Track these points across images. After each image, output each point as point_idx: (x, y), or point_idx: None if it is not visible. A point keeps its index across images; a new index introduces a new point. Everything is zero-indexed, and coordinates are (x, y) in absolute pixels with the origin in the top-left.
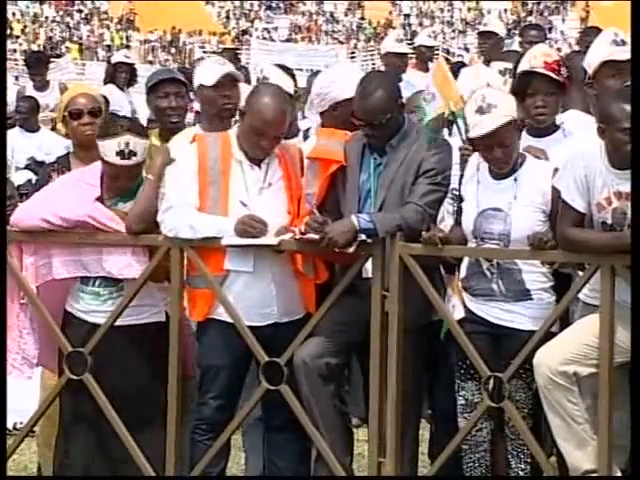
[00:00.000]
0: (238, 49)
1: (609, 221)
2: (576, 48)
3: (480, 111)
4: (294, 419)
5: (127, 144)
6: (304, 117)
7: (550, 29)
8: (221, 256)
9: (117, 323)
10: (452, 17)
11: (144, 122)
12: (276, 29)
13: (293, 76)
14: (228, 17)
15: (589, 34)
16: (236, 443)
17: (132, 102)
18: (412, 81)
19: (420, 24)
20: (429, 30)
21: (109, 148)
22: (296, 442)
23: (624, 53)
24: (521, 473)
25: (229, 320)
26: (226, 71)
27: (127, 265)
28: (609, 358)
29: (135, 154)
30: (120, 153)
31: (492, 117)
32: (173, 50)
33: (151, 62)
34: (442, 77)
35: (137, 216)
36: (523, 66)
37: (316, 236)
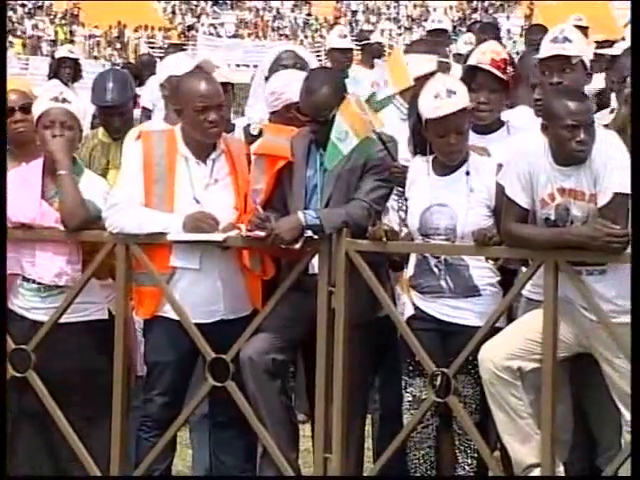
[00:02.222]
0: (184, 45)
1: (552, 217)
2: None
3: (439, 96)
4: (240, 416)
5: (61, 92)
6: (242, 114)
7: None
8: (167, 253)
9: (59, 320)
10: (398, 14)
11: (89, 118)
12: (222, 25)
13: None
14: (174, 12)
15: (533, 32)
16: (182, 440)
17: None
18: (358, 77)
19: (367, 21)
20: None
21: (43, 99)
22: (242, 438)
23: (550, 50)
24: (467, 468)
25: (175, 317)
26: (198, 62)
27: (60, 273)
28: (552, 353)
29: (69, 102)
30: (54, 99)
31: (452, 101)
32: (118, 45)
33: (96, 57)
34: (395, 63)
35: (69, 214)
36: (471, 61)
37: (262, 233)
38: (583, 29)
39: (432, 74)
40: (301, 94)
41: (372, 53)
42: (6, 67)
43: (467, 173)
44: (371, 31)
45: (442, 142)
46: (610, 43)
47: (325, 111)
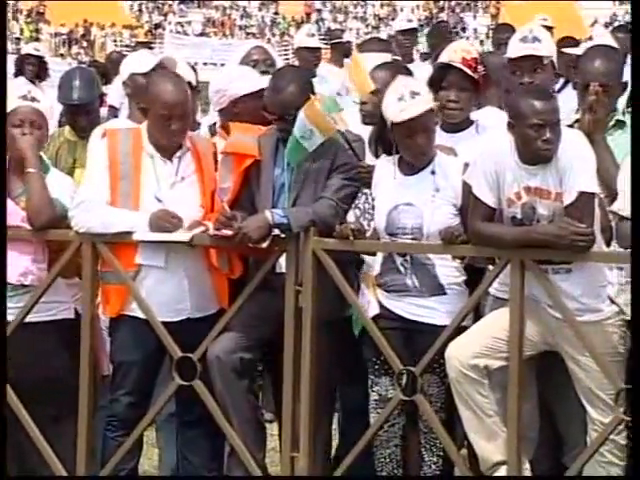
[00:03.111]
0: (151, 43)
1: (519, 216)
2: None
3: (403, 98)
4: (207, 415)
5: (29, 91)
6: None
7: (463, 28)
8: (133, 251)
9: (25, 320)
10: (365, 13)
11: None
12: (190, 23)
13: (194, 70)
14: (141, 11)
15: (501, 31)
16: (149, 439)
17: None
18: (326, 76)
19: (334, 20)
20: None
21: (12, 97)
22: (209, 438)
23: (522, 50)
24: (434, 467)
25: (142, 316)
26: (160, 59)
27: (25, 272)
28: (519, 351)
29: (38, 100)
30: (23, 97)
31: (417, 103)
32: (85, 44)
33: (62, 55)
34: (356, 68)
35: (36, 213)
36: (442, 59)
37: (230, 232)
38: (549, 29)
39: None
40: (268, 92)
41: (342, 52)
42: (6, 67)
43: (433, 172)
44: (342, 30)
45: (410, 144)
46: (575, 42)
47: (292, 109)
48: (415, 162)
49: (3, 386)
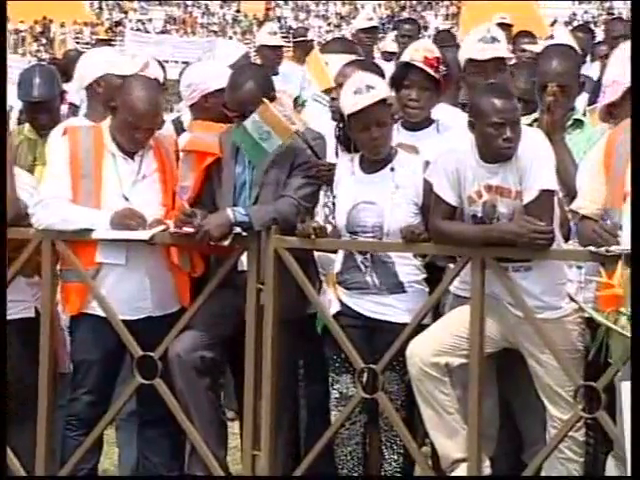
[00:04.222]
0: (112, 40)
1: (479, 214)
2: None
3: (359, 92)
4: (168, 414)
5: None
6: (171, 110)
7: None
8: (93, 249)
9: None
10: (327, 11)
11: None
12: (150, 21)
13: (163, 68)
14: (101, 8)
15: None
16: (109, 439)
17: None
18: (288, 74)
19: (296, 18)
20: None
21: None
22: (170, 436)
23: (486, 52)
24: (394, 464)
25: (102, 314)
26: (142, 65)
27: None
28: (479, 349)
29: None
30: None
31: (371, 95)
32: (44, 41)
33: (22, 53)
34: (316, 64)
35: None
36: (404, 57)
37: (191, 229)
38: (507, 27)
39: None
40: (227, 89)
41: (306, 50)
42: (6, 66)
43: (393, 170)
44: (306, 29)
45: (365, 136)
46: (532, 37)
47: (250, 106)
48: (372, 155)
49: (3, 386)
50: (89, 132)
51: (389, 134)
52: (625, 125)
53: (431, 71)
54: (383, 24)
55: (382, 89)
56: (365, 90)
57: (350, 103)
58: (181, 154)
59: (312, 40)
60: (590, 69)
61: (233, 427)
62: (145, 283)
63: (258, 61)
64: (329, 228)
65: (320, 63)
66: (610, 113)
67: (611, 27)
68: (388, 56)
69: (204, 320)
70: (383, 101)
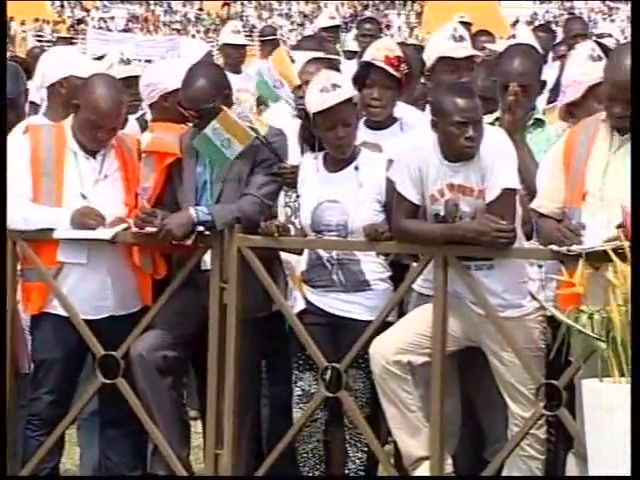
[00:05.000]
0: (74, 38)
1: (442, 213)
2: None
3: (325, 90)
4: (130, 413)
5: None
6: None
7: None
8: (54, 248)
9: None
10: (290, 10)
11: None
12: (113, 19)
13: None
14: (63, 6)
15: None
16: (70, 438)
17: None
18: (251, 73)
19: (259, 16)
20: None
21: None
22: (132, 436)
23: (460, 50)
24: (358, 462)
25: (63, 313)
26: (108, 67)
27: None
28: (441, 347)
29: None
30: None
31: (337, 94)
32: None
33: None
34: (281, 61)
35: None
36: (365, 57)
37: (153, 228)
38: (467, 25)
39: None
40: (181, 88)
41: (273, 49)
42: (6, 65)
43: (356, 169)
44: (275, 28)
45: (330, 135)
46: (490, 36)
47: (203, 104)
48: (337, 155)
49: (3, 385)
50: (51, 131)
51: (354, 133)
52: (585, 124)
53: (392, 70)
54: (346, 23)
55: (348, 88)
56: (331, 89)
57: (316, 101)
58: (142, 155)
59: (279, 39)
60: (551, 68)
61: (196, 426)
62: (106, 282)
63: (221, 60)
64: (292, 228)
65: (286, 62)
66: (570, 112)
67: (569, 26)
68: (350, 55)
69: (167, 319)
70: (349, 100)
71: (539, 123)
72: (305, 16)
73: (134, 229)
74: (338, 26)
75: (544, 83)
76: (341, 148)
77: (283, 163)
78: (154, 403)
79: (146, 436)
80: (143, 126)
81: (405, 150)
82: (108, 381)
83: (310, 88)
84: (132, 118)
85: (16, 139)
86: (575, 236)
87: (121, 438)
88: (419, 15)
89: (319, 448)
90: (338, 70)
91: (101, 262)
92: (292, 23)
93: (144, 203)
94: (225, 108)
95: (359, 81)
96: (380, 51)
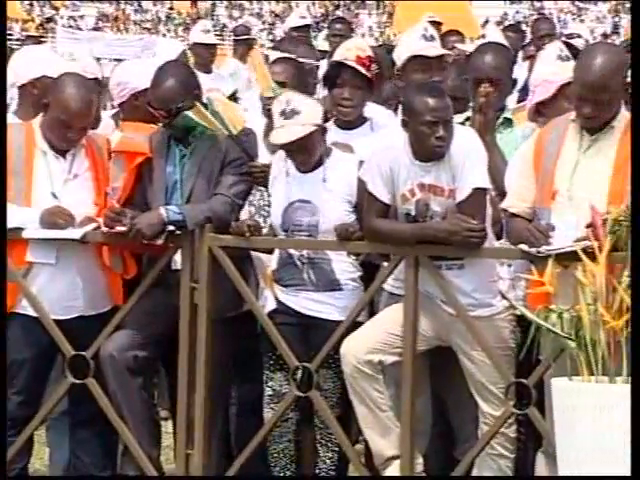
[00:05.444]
0: (43, 37)
1: (412, 212)
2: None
3: (284, 115)
4: (101, 413)
5: None
6: (113, 107)
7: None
8: (24, 248)
9: None
10: (261, 9)
11: None
12: (82, 17)
13: (100, 65)
14: (31, 4)
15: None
16: (39, 439)
17: None
18: (223, 73)
19: (229, 16)
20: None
21: None
22: (102, 436)
23: (432, 49)
24: (328, 462)
25: (33, 313)
26: (80, 66)
27: None
28: (412, 347)
29: None
30: None
31: (293, 126)
32: None
33: None
34: (257, 64)
35: None
36: (336, 56)
37: (124, 228)
38: (437, 25)
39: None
40: (150, 87)
41: (247, 48)
42: (6, 65)
43: (327, 169)
44: (249, 27)
45: (291, 157)
46: (460, 36)
47: (172, 103)
48: (303, 169)
49: (3, 385)
50: (21, 130)
51: (315, 154)
52: (555, 124)
53: (363, 70)
54: (317, 22)
55: (309, 114)
56: (290, 114)
57: (276, 125)
58: (112, 155)
59: (254, 39)
60: (521, 69)
61: (167, 426)
62: (76, 282)
63: (192, 59)
64: (266, 227)
65: (260, 62)
66: (539, 112)
67: (537, 27)
68: (320, 55)
69: (137, 319)
70: (309, 133)
71: (508, 123)
72: (276, 15)
73: (104, 229)
74: (309, 26)
75: (515, 81)
76: (304, 166)
77: (254, 162)
78: (124, 403)
79: (116, 436)
80: (118, 123)
81: (376, 150)
82: (78, 381)
83: (274, 107)
84: (107, 115)
85: None
86: (544, 237)
87: (91, 438)
88: (390, 15)
89: (290, 448)
90: (304, 71)
91: (70, 262)
92: (263, 22)
93: (113, 203)
94: (199, 105)
95: (329, 81)
96: (351, 51)
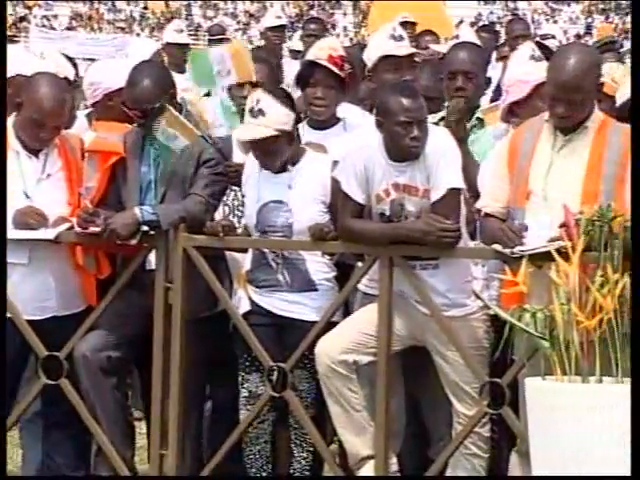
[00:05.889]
0: (16, 36)
1: (387, 212)
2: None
3: (251, 112)
4: (74, 414)
5: None
6: (86, 107)
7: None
8: None
9: None
10: (236, 9)
11: None
12: (56, 17)
13: (75, 65)
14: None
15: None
16: (12, 440)
17: None
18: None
19: (204, 15)
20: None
21: None
22: (76, 437)
23: (402, 48)
24: (303, 462)
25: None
26: (53, 66)
27: None
28: (387, 347)
29: None
30: None
31: (256, 126)
32: None
33: None
34: (239, 55)
35: None
36: (309, 56)
37: (97, 228)
38: (411, 25)
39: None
40: (125, 87)
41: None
42: (6, 64)
43: (301, 170)
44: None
45: (257, 157)
46: (435, 36)
47: (148, 103)
48: (271, 170)
49: (3, 385)
50: None
51: (279, 156)
52: (529, 124)
53: (336, 69)
54: (292, 22)
55: (275, 117)
56: (256, 114)
57: (241, 127)
58: (85, 155)
59: (228, 39)
60: (495, 69)
61: (140, 427)
62: (49, 282)
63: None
64: (240, 227)
65: (245, 55)
66: (512, 112)
67: (511, 27)
68: (295, 54)
69: (111, 320)
70: (272, 135)
71: (480, 123)
72: (251, 15)
73: (77, 229)
74: (284, 26)
75: (489, 80)
76: (269, 167)
77: (228, 161)
78: (98, 404)
79: (90, 437)
80: (91, 122)
81: (351, 150)
82: (51, 382)
83: (247, 104)
84: (81, 114)
85: None
86: (517, 237)
87: (64, 439)
88: (365, 15)
89: (266, 449)
90: (280, 70)
91: (43, 262)
92: (238, 22)
93: (87, 203)
94: (171, 108)
95: (302, 80)
96: (323, 50)
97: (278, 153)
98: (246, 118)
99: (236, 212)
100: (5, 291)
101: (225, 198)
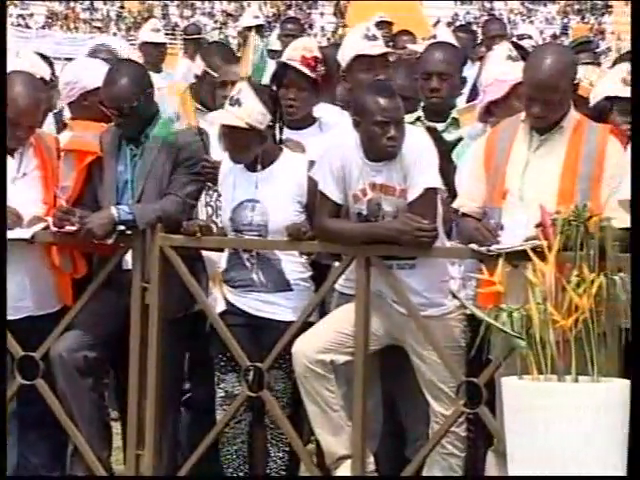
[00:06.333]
0: None
1: (364, 212)
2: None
3: (231, 100)
4: (50, 414)
5: None
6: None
7: (311, 25)
8: None
9: None
10: (213, 8)
11: None
12: (32, 15)
13: (51, 64)
14: None
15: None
16: None
17: None
18: (172, 72)
19: (181, 15)
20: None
21: None
22: (51, 437)
23: (375, 48)
24: (279, 462)
25: None
26: (28, 64)
27: None
28: (364, 346)
29: None
30: None
31: (229, 113)
32: None
33: None
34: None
35: None
36: (283, 56)
37: (73, 227)
38: (388, 25)
39: None
40: (102, 86)
41: (197, 47)
42: (6, 64)
43: (277, 169)
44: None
45: (227, 149)
46: (411, 37)
47: (123, 103)
48: (231, 159)
49: (3, 383)
50: None
51: (248, 152)
52: (505, 124)
53: (307, 71)
54: (269, 22)
55: (249, 109)
56: (235, 102)
57: (220, 110)
58: (61, 154)
59: (204, 38)
60: (471, 69)
61: (116, 427)
62: (24, 282)
63: (141, 58)
64: (214, 227)
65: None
66: (489, 112)
67: (487, 27)
68: (273, 54)
69: (87, 320)
70: (243, 128)
71: (456, 123)
72: (228, 15)
73: (53, 228)
74: (262, 25)
75: (464, 80)
76: (241, 161)
77: (207, 159)
78: (74, 404)
79: (66, 437)
80: (59, 122)
81: (327, 149)
82: (27, 382)
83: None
84: (49, 114)
85: None
86: (492, 236)
87: (40, 439)
88: (342, 15)
89: (243, 449)
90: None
91: (19, 262)
92: (215, 22)
93: (63, 202)
94: (187, 92)
95: (276, 81)
96: (297, 51)
97: (246, 148)
98: (225, 104)
99: (219, 213)
100: (5, 291)
101: (208, 199)
